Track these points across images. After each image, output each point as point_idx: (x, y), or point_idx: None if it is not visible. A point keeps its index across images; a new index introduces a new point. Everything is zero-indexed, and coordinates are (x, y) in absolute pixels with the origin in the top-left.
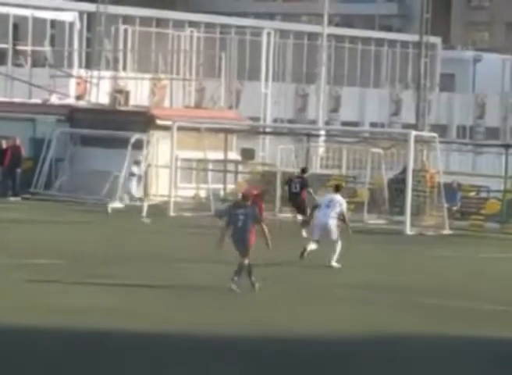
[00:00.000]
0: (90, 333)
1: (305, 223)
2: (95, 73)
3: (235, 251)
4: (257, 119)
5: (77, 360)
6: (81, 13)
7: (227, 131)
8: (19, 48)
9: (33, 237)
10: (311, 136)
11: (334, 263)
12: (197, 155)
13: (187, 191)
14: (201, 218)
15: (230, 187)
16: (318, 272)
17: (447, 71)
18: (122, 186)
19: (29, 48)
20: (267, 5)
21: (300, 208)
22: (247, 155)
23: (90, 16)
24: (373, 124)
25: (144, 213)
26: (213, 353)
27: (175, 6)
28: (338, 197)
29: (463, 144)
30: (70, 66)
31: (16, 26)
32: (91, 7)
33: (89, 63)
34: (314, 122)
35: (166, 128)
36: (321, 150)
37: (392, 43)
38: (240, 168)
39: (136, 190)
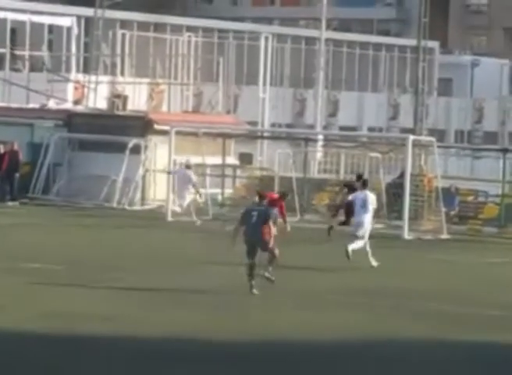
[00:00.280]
0: (89, 339)
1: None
2: (93, 77)
3: (244, 251)
4: (255, 123)
5: (76, 366)
6: (79, 18)
7: (225, 136)
8: (17, 52)
9: (32, 241)
10: (308, 140)
11: (374, 263)
12: (195, 159)
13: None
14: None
15: (228, 191)
16: (316, 276)
17: (445, 76)
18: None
19: (26, 53)
20: (265, 10)
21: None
22: (245, 159)
23: (88, 21)
24: (371, 129)
25: (194, 217)
26: (211, 358)
27: (173, 11)
28: (369, 194)
29: (461, 148)
30: (68, 70)
31: (13, 31)
32: (89, 12)
33: (87, 68)
34: (312, 126)
35: (164, 133)
36: (319, 154)
37: (390, 47)
38: (238, 172)
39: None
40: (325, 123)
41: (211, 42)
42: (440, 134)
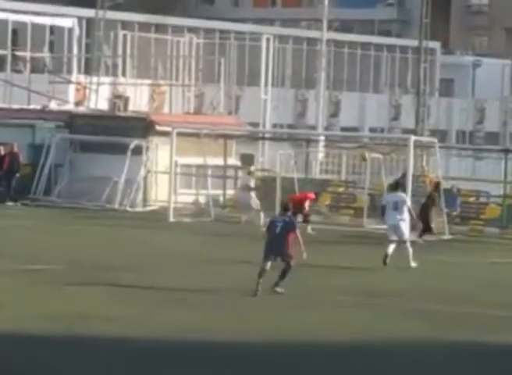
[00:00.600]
0: (91, 340)
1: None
2: (94, 78)
3: (262, 257)
4: (256, 124)
5: (77, 367)
6: (80, 19)
7: (226, 137)
8: (18, 54)
9: (33, 242)
10: (310, 141)
11: (413, 263)
12: (197, 160)
13: (187, 196)
14: (201, 223)
15: (230, 192)
16: (318, 276)
17: (446, 76)
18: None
19: (28, 54)
20: (266, 11)
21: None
22: (247, 160)
23: (89, 22)
24: (372, 129)
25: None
26: (212, 358)
27: (174, 12)
28: (400, 194)
29: (462, 149)
30: (69, 71)
31: (14, 32)
32: (90, 13)
33: (88, 69)
34: (313, 127)
35: (166, 134)
36: (321, 155)
37: (391, 48)
38: (240, 173)
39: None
40: (326, 124)
41: (212, 43)
42: (442, 135)
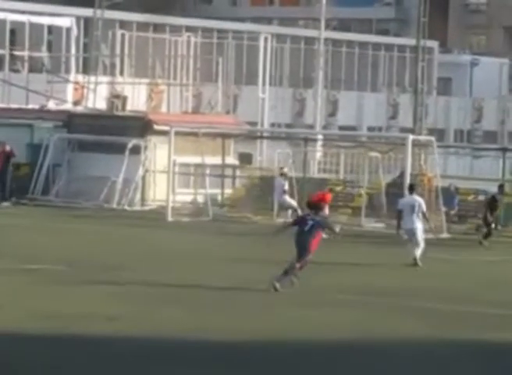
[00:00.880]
0: (90, 339)
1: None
2: (92, 78)
3: (292, 251)
4: (254, 123)
5: (76, 366)
6: (78, 18)
7: (225, 136)
8: (16, 53)
9: (32, 242)
10: (308, 140)
11: (420, 262)
12: (195, 159)
13: (185, 195)
14: (199, 222)
15: (228, 191)
16: (318, 275)
17: (444, 75)
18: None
19: (26, 54)
20: (264, 10)
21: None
22: (245, 159)
23: (87, 21)
24: (370, 128)
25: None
26: (211, 357)
27: (172, 11)
28: (417, 198)
29: (460, 147)
30: (67, 71)
31: (12, 32)
32: (88, 12)
33: (86, 68)
34: (311, 126)
35: (164, 133)
36: (319, 154)
37: (389, 47)
38: (238, 173)
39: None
40: (324, 123)
41: (210, 42)
42: (440, 134)
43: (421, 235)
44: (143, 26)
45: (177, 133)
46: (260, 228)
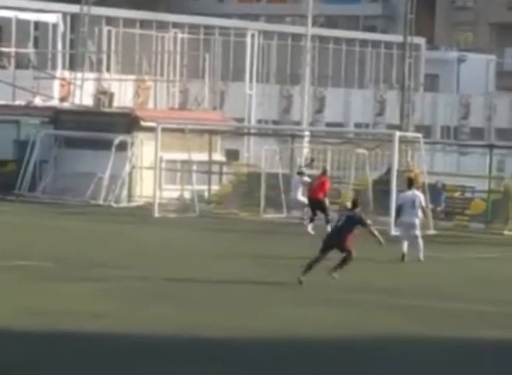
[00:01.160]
0: (77, 336)
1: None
2: (79, 74)
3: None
4: (241, 120)
5: (63, 363)
6: (64, 15)
7: (211, 132)
8: (3, 49)
9: (19, 239)
10: (295, 137)
11: (422, 257)
12: (182, 156)
13: (172, 192)
14: (186, 219)
15: (215, 188)
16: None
17: (431, 72)
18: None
19: (12, 50)
20: (251, 7)
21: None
22: (232, 156)
23: (74, 18)
24: (357, 125)
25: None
26: (199, 354)
27: (158, 7)
28: (416, 193)
29: (447, 144)
30: (54, 67)
31: None
32: (75, 8)
33: (73, 65)
34: (298, 123)
35: (150, 129)
36: (306, 151)
37: (376, 44)
38: (225, 169)
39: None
40: (311, 120)
41: (197, 39)
42: (426, 130)
43: (418, 230)
44: (129, 23)
45: (164, 130)
46: (247, 225)
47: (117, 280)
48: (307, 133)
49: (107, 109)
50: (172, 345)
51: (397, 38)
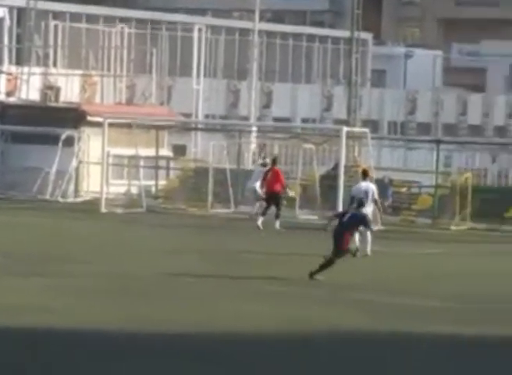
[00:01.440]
0: (26, 331)
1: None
2: (25, 69)
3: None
4: (188, 115)
5: (12, 359)
6: (11, 9)
7: (158, 128)
8: None
9: None
10: (242, 132)
11: (369, 252)
12: (129, 151)
13: (119, 187)
14: (133, 214)
15: (162, 183)
16: (257, 267)
17: (378, 67)
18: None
19: None
20: (198, 1)
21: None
22: (179, 151)
23: (20, 12)
24: (305, 120)
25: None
26: (148, 349)
27: (105, 2)
28: (371, 185)
29: (394, 139)
30: (0, 62)
31: None
32: (21, 2)
33: (19, 59)
34: (246, 118)
35: (97, 124)
36: (253, 146)
37: (323, 39)
38: (172, 164)
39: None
40: (258, 115)
41: (144, 34)
42: (374, 125)
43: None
44: (76, 17)
45: (111, 125)
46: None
47: (67, 275)
48: (254, 128)
49: (54, 104)
50: (121, 340)
51: (344, 33)
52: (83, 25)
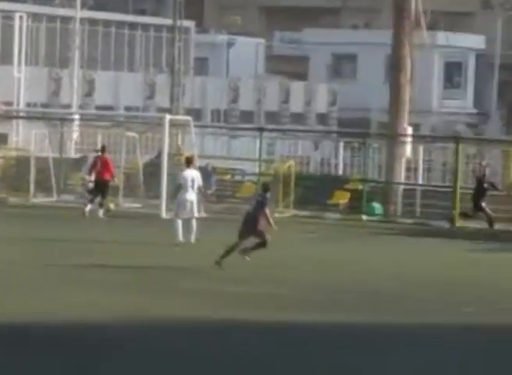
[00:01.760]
0: None
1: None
2: None
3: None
4: (10, 103)
5: None
6: None
7: None
8: None
9: None
10: (64, 120)
11: (193, 240)
12: None
13: None
14: None
15: None
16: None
17: (201, 55)
18: None
19: None
20: None
21: None
22: (0, 140)
23: None
24: (128, 108)
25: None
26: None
27: None
28: (195, 172)
29: (217, 127)
30: None
31: None
32: None
33: None
34: (68, 106)
35: None
36: (76, 134)
37: (145, 27)
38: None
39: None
40: (80, 103)
41: None
42: (197, 114)
43: (196, 209)
44: None
45: None
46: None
47: None
48: (76, 116)
49: None
50: None
51: (167, 21)
52: None
